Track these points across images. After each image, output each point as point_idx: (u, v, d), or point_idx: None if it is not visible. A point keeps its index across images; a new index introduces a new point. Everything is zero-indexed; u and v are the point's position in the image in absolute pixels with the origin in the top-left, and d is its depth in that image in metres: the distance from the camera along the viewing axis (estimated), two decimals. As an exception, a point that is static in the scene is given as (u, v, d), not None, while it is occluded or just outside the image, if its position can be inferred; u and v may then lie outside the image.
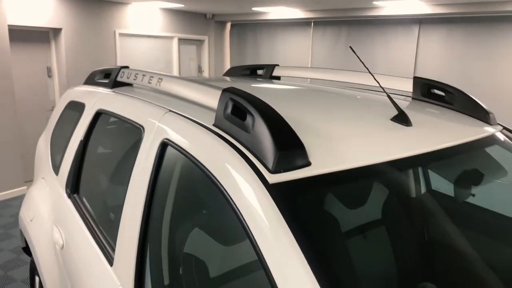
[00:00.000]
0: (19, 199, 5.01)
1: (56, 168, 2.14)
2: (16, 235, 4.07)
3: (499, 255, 1.56)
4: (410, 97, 1.87)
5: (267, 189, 0.95)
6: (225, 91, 1.21)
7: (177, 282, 1.26)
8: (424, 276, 1.30)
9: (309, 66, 7.48)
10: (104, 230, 1.56)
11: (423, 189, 1.76)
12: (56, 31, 5.56)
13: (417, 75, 6.53)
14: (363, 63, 1.64)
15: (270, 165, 0.99)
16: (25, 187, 5.21)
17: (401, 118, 1.37)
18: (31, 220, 2.16)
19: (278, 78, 2.52)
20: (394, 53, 6.65)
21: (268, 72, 2.53)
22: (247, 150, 1.05)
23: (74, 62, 5.68)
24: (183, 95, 1.44)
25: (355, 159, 1.08)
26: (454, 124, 1.48)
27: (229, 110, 1.16)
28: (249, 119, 1.08)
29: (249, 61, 8.16)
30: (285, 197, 0.94)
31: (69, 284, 1.77)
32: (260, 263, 0.87)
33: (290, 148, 1.01)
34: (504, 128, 1.69)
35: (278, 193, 0.94)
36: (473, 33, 5.99)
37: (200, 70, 8.05)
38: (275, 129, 1.02)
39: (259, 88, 1.85)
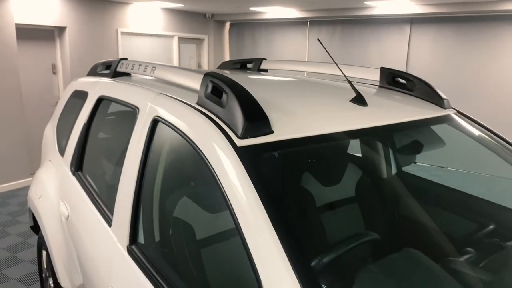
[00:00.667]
0: (25, 189, 5.25)
1: (62, 151, 2.37)
2: (23, 221, 4.31)
3: (454, 225, 1.79)
4: (378, 85, 2.09)
5: (235, 151, 1.17)
6: (206, 75, 1.43)
7: (166, 239, 1.49)
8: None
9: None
10: (104, 199, 1.79)
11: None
12: (61, 30, 5.81)
13: (409, 71, 6.73)
14: (330, 55, 1.87)
15: (239, 133, 1.21)
16: (30, 179, 5.45)
17: (358, 100, 1.59)
18: (39, 198, 2.39)
19: (266, 70, 2.74)
20: (386, 51, 6.86)
21: (256, 66, 2.76)
22: (221, 121, 1.28)
23: (77, 60, 5.92)
24: (173, 80, 1.67)
25: (310, 129, 1.31)
26: (407, 106, 1.70)
27: (209, 90, 1.39)
28: (224, 97, 1.30)
29: (247, 57, 8.38)
30: (250, 157, 1.16)
31: (73, 249, 2.00)
32: (229, 209, 1.09)
33: (256, 119, 1.24)
34: (458, 112, 1.91)
35: (244, 153, 1.17)
36: (462, 32, 6.20)
37: (199, 68, 8.28)
38: (244, 104, 1.25)
39: (243, 78, 2.08)
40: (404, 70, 6.75)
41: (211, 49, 8.32)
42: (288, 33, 7.85)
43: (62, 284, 2.17)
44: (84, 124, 2.15)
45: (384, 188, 1.90)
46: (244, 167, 1.13)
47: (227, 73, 2.39)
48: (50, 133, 2.72)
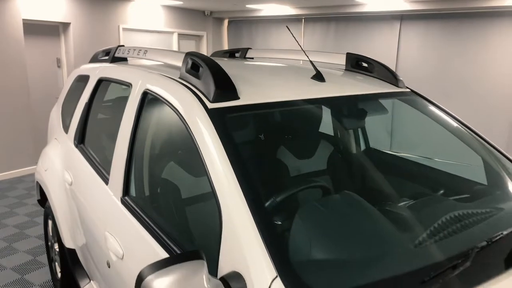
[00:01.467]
0: (31, 176, 5.56)
1: (66, 128, 2.66)
2: (29, 203, 4.61)
3: (399, 183, 2.06)
4: (344, 69, 2.37)
5: (207, 112, 1.45)
6: (187, 54, 1.72)
7: (155, 194, 1.78)
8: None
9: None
10: (102, 163, 2.07)
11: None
12: (65, 25, 6.11)
13: (399, 67, 7.01)
14: (297, 42, 2.14)
15: (210, 98, 1.50)
16: (35, 167, 5.75)
17: (318, 77, 1.87)
18: (46, 170, 2.69)
19: (252, 58, 3.02)
20: (377, 47, 7.13)
21: (242, 54, 3.04)
22: (197, 90, 1.56)
23: (81, 54, 6.22)
24: (161, 60, 1.95)
25: (270, 97, 1.59)
26: (361, 83, 1.98)
27: (189, 66, 1.67)
28: (200, 71, 1.59)
29: (245, 55, 8.66)
30: (218, 117, 1.44)
31: (76, 212, 2.29)
32: (199, 157, 1.37)
33: (224, 87, 1.52)
34: (412, 91, 2.18)
35: (214, 114, 1.45)
36: (450, 28, 6.46)
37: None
38: (215, 75, 1.53)
39: (227, 62, 2.36)
40: (394, 65, 7.02)
41: (210, 45, 8.60)
42: (284, 30, 8.12)
43: (66, 245, 2.46)
44: (86, 103, 2.44)
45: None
46: (213, 125, 1.41)
47: (222, 60, 2.67)
48: (55, 115, 3.01)
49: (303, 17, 7.83)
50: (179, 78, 1.71)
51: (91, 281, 2.34)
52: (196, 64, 1.64)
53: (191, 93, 1.55)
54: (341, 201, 1.44)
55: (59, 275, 2.82)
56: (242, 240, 1.12)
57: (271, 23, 8.28)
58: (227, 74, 1.57)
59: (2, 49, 5.21)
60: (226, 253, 1.15)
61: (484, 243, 1.26)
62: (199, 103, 1.49)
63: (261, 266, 1.05)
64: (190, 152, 1.62)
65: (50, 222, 2.91)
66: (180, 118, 1.51)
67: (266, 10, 7.78)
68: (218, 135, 1.37)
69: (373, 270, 1.12)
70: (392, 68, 7.02)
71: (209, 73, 1.53)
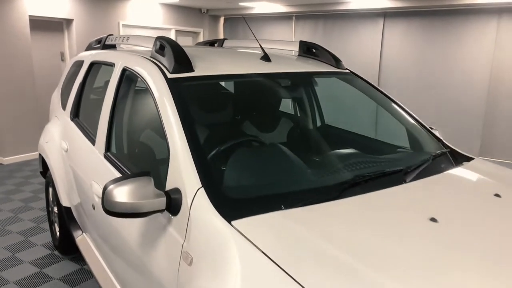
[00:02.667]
0: (37, 160, 6.03)
1: (64, 106, 3.11)
2: (34, 182, 5.07)
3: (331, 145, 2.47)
4: (297, 54, 2.78)
5: (166, 81, 1.88)
6: (157, 38, 2.14)
7: (133, 153, 2.20)
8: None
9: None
10: (91, 130, 2.51)
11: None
12: (69, 22, 6.58)
13: (383, 61, 7.40)
14: (254, 34, 2.57)
15: (170, 70, 1.92)
16: (41, 151, 6.22)
17: (265, 58, 2.29)
18: (47, 142, 3.13)
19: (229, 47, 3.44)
20: (363, 43, 7.53)
21: (220, 44, 3.46)
22: (161, 64, 1.99)
23: (83, 48, 6.67)
24: (139, 44, 2.39)
25: (219, 71, 2.02)
26: (303, 64, 2.40)
27: (157, 47, 2.10)
28: (165, 50, 2.01)
29: (240, 51, 9.09)
30: (175, 85, 1.86)
31: (71, 175, 2.73)
32: (158, 115, 1.79)
33: (182, 62, 1.95)
34: (351, 72, 2.59)
35: (172, 83, 1.87)
36: (429, 25, 6.85)
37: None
38: (175, 53, 1.96)
39: (197, 48, 2.78)
40: (378, 60, 7.41)
41: (207, 42, 9.03)
42: (276, 27, 8.55)
43: (63, 204, 2.90)
44: (80, 83, 2.89)
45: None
46: (170, 90, 1.84)
47: (194, 47, 3.10)
48: (56, 96, 3.46)
49: (294, 15, 8.24)
50: (150, 57, 2.14)
51: (84, 233, 2.78)
52: (162, 45, 2.07)
53: (156, 67, 1.98)
54: (266, 147, 1.87)
55: (57, 234, 3.27)
56: (181, 167, 1.54)
57: (264, 20, 8.70)
58: (185, 52, 2.00)
59: (10, 43, 5.68)
60: (171, 177, 1.58)
61: (367, 175, 1.68)
62: (161, 74, 1.92)
63: (191, 182, 1.48)
64: (149, 104, 2.00)
65: (50, 190, 3.35)
66: (148, 86, 1.94)
67: (259, 8, 8.20)
68: (172, 97, 1.79)
69: (269, 187, 1.55)
70: (377, 62, 7.43)
71: (171, 51, 1.96)
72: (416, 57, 7.07)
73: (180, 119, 1.67)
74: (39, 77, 6.41)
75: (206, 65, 2.07)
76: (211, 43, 3.61)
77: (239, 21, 9.07)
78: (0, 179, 5.15)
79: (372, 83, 2.58)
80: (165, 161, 1.68)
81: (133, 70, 2.12)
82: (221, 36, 9.36)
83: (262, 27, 8.73)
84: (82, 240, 2.74)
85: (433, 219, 1.39)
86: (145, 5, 7.60)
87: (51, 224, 3.46)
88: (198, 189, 1.45)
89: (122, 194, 1.44)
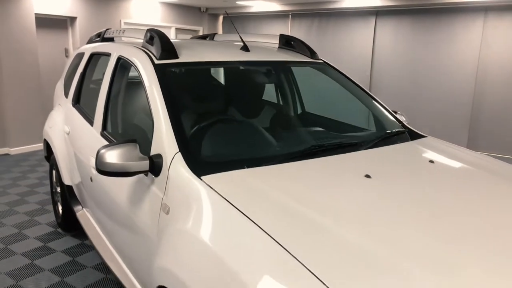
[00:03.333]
0: (41, 151, 6.33)
1: (67, 94, 3.40)
2: (40, 170, 5.37)
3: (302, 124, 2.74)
4: (277, 46, 3.06)
5: (153, 66, 2.16)
6: (147, 30, 2.43)
7: (126, 129, 2.48)
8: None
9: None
10: (90, 113, 2.79)
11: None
12: (72, 19, 6.88)
13: (375, 57, 7.66)
14: (236, 29, 2.85)
15: (157, 57, 2.20)
16: (46, 143, 6.54)
17: (244, 48, 2.57)
18: (51, 127, 3.43)
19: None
20: (356, 39, 7.79)
21: (211, 38, 3.74)
22: (150, 52, 2.27)
23: (86, 45, 6.98)
24: (132, 36, 2.67)
25: (201, 58, 2.30)
26: (280, 54, 2.67)
27: (147, 37, 2.39)
28: (154, 40, 2.30)
29: (238, 49, 9.38)
30: (161, 70, 2.14)
31: (72, 156, 3.02)
32: (145, 95, 2.07)
33: (168, 50, 2.23)
34: (325, 62, 2.86)
35: (158, 68, 2.15)
36: (419, 22, 7.10)
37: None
38: (162, 42, 2.24)
39: (186, 41, 3.06)
40: (370, 56, 7.67)
41: (206, 40, 9.32)
42: (272, 25, 8.82)
43: (66, 182, 3.19)
44: (81, 73, 3.18)
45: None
46: (156, 74, 2.12)
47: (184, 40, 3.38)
48: (59, 86, 3.75)
49: (290, 13, 8.51)
50: (142, 46, 2.42)
51: (83, 208, 3.06)
52: (152, 36, 2.35)
53: (146, 54, 2.26)
54: (236, 122, 2.15)
55: (60, 212, 3.56)
56: (163, 136, 1.82)
57: (261, 19, 8.98)
58: (171, 42, 2.28)
59: (17, 40, 5.99)
60: (154, 145, 1.86)
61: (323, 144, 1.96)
62: (150, 60, 2.20)
63: (171, 148, 1.76)
64: (140, 86, 2.26)
65: (54, 172, 3.64)
66: (138, 71, 2.23)
67: (257, 6, 8.47)
68: (158, 79, 2.08)
69: (235, 153, 1.82)
70: (369, 57, 7.69)
71: (159, 41, 2.25)
72: (406, 53, 7.32)
73: (164, 98, 1.95)
74: (44, 72, 6.71)
75: (190, 53, 2.35)
76: (203, 37, 3.89)
77: (237, 20, 9.35)
78: (8, 168, 5.46)
79: (344, 73, 2.85)
80: (151, 133, 1.96)
81: (127, 58, 2.41)
82: (220, 34, 9.65)
83: (260, 25, 9.01)
84: (82, 214, 3.03)
85: (368, 176, 1.67)
86: (146, 3, 7.90)
87: (55, 204, 3.75)
88: (176, 153, 1.73)
89: (112, 156, 1.72)
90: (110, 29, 3.20)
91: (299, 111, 3.00)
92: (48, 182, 4.93)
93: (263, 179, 1.60)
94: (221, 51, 2.51)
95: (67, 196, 3.22)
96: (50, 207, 4.17)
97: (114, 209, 2.19)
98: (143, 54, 2.28)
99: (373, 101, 2.70)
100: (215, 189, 1.51)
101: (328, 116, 2.84)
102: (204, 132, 1.97)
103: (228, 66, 2.39)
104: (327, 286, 1.05)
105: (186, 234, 1.47)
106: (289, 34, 8.59)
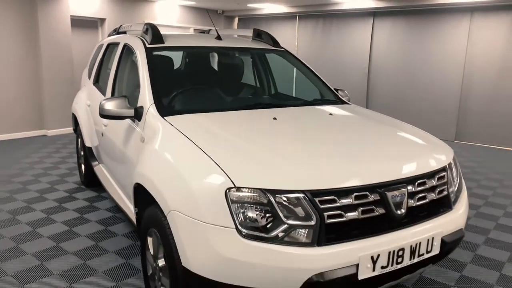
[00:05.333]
0: (69, 135, 7.37)
1: (89, 76, 4.32)
2: (70, 147, 6.36)
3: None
4: (252, 38, 3.85)
5: (145, 49, 3.00)
6: (145, 24, 3.28)
7: (125, 93, 3.34)
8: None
9: (296, 49, 9.43)
10: (104, 88, 3.67)
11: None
12: (102, 20, 7.91)
13: (372, 55, 8.30)
14: (213, 24, 3.67)
15: (149, 42, 3.05)
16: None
17: (218, 37, 3.38)
18: (77, 103, 4.35)
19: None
20: (355, 38, 8.45)
21: (207, 32, 4.58)
22: (145, 39, 3.12)
23: (114, 43, 7.99)
24: (137, 29, 3.54)
25: (181, 43, 3.13)
26: (247, 43, 3.46)
27: (144, 29, 3.24)
28: (148, 31, 3.15)
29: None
30: (150, 52, 2.98)
31: (92, 122, 3.91)
32: (138, 71, 2.91)
33: (156, 37, 3.08)
34: (286, 50, 3.63)
35: (148, 51, 2.99)
36: (412, 22, 7.71)
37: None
38: (153, 32, 3.09)
39: (178, 34, 3.89)
40: (368, 54, 8.32)
41: (222, 39, 10.20)
42: (282, 26, 9.60)
43: (87, 144, 4.09)
44: (100, 59, 4.08)
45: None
46: (146, 54, 2.95)
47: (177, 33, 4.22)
48: (85, 71, 4.69)
49: (297, 15, 9.27)
50: (140, 36, 3.27)
51: (99, 164, 3.95)
52: (147, 28, 3.20)
53: (141, 41, 3.11)
54: (197, 86, 2.98)
55: (83, 171, 4.48)
56: (146, 94, 2.65)
57: (272, 20, 9.78)
58: (159, 32, 3.12)
59: (55, 38, 7.04)
60: (139, 100, 2.70)
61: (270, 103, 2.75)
62: (143, 45, 3.04)
63: (148, 101, 2.59)
64: (135, 65, 3.14)
65: (79, 140, 4.57)
66: (135, 53, 3.08)
67: (267, 8, 9.28)
68: (147, 57, 2.91)
69: (194, 105, 2.64)
70: (367, 54, 8.33)
71: (151, 31, 3.09)
72: (401, 51, 7.93)
73: (148, 69, 2.79)
74: (77, 66, 7.75)
75: (173, 40, 3.18)
76: (202, 32, 4.74)
77: (251, 21, 10.19)
78: (45, 145, 6.49)
79: (300, 59, 3.61)
80: (139, 93, 2.80)
81: (129, 45, 3.27)
82: (235, 34, 10.53)
83: (271, 26, 9.81)
84: (98, 168, 3.91)
85: (275, 118, 2.44)
86: (167, 6, 8.86)
87: (79, 166, 4.68)
88: (151, 104, 2.56)
89: (109, 105, 2.56)
90: (123, 25, 4.09)
91: (259, 84, 3.80)
92: (73, 160, 5.90)
93: (204, 119, 2.41)
94: (199, 40, 3.33)
95: (88, 156, 4.12)
96: (77, 172, 5.11)
97: (115, 150, 3.04)
98: (139, 41, 3.14)
99: (320, 81, 3.45)
100: (171, 123, 2.33)
101: (282, 90, 3.62)
102: (170, 92, 2.80)
103: (201, 50, 3.23)
104: (226, 174, 1.80)
105: (153, 150, 2.28)
106: (296, 34, 9.35)
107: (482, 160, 6.18)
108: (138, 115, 2.62)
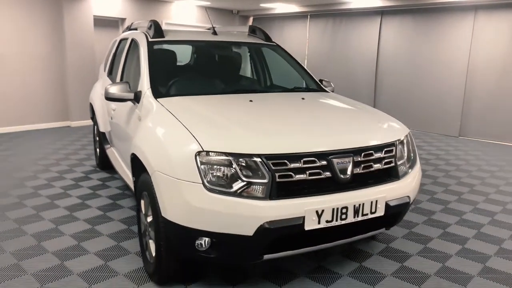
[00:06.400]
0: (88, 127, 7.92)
1: (104, 69, 4.80)
2: (90, 137, 6.91)
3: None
4: (247, 34, 4.23)
5: (147, 42, 3.44)
6: (149, 21, 3.72)
7: (129, 80, 3.79)
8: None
9: (306, 47, 9.77)
10: (115, 77, 4.13)
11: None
12: (122, 20, 8.45)
13: (380, 53, 8.54)
14: (211, 21, 4.09)
15: (151, 37, 3.49)
16: (98, 119, 8.13)
17: (213, 32, 3.78)
18: (93, 94, 4.84)
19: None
20: (364, 36, 8.71)
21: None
22: (148, 34, 3.56)
23: (133, 41, 8.53)
24: (144, 26, 3.98)
25: (181, 38, 3.56)
26: (241, 38, 3.85)
27: (148, 26, 3.68)
28: (151, 27, 3.59)
29: (265, 46, 10.60)
30: (151, 45, 3.41)
31: (105, 109, 4.37)
32: (139, 61, 3.34)
33: (157, 32, 3.51)
34: (277, 45, 4.00)
35: (149, 43, 3.42)
36: (418, 21, 7.92)
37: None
38: (155, 28, 3.52)
39: (179, 30, 4.31)
40: (376, 52, 8.56)
41: (237, 38, 10.63)
42: (294, 25, 9.94)
43: (101, 130, 4.57)
44: (113, 53, 4.55)
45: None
46: (147, 46, 3.38)
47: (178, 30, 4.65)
48: (101, 65, 5.19)
49: (309, 14, 9.60)
50: (145, 31, 3.71)
51: (111, 147, 4.42)
52: (151, 25, 3.63)
53: (145, 36, 3.55)
54: (189, 74, 3.39)
55: (98, 155, 4.97)
56: (144, 81, 3.07)
57: (284, 19, 10.14)
58: (161, 28, 3.55)
59: (79, 37, 7.62)
60: (139, 86, 3.12)
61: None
62: (146, 39, 3.48)
63: (146, 86, 3.01)
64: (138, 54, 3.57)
65: (95, 127, 5.07)
66: (139, 46, 3.51)
67: (280, 8, 9.65)
68: (148, 49, 3.33)
69: (185, 90, 3.06)
70: (375, 52, 8.58)
71: (153, 27, 3.53)
72: (407, 48, 8.15)
73: (148, 60, 3.22)
74: (98, 63, 8.32)
75: (173, 35, 3.61)
76: (208, 29, 5.16)
77: (265, 20, 10.57)
78: (69, 135, 7.07)
79: (289, 52, 3.98)
80: (139, 80, 3.23)
81: (135, 39, 3.71)
82: (250, 33, 10.93)
83: (283, 25, 10.17)
84: (110, 150, 4.38)
85: (251, 101, 2.82)
86: (184, 7, 9.35)
87: (95, 150, 5.18)
88: (148, 89, 2.98)
89: (113, 89, 3.00)
90: (134, 22, 4.55)
91: (254, 75, 4.18)
92: (90, 152, 6.41)
93: (189, 100, 2.81)
94: (197, 35, 3.74)
95: (101, 140, 4.59)
96: (93, 157, 5.62)
97: (120, 130, 3.48)
98: (143, 36, 3.57)
99: (305, 72, 3.80)
100: (161, 103, 2.74)
101: (278, 81, 4.00)
102: (165, 78, 3.22)
103: (198, 44, 3.65)
104: (197, 140, 2.19)
105: (146, 126, 2.69)
106: (307, 32, 9.68)
107: (479, 154, 6.36)
108: (137, 98, 3.04)
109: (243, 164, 2.14)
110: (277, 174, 2.14)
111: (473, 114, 7.52)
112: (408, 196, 2.52)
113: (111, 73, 4.55)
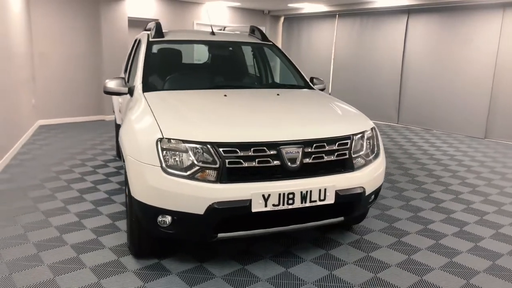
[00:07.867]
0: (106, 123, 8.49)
1: (123, 69, 5.24)
2: (113, 132, 7.45)
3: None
4: (248, 34, 4.47)
5: (148, 41, 3.79)
6: (154, 22, 4.07)
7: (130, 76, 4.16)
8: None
9: (333, 46, 9.82)
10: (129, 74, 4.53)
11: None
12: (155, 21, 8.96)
13: (406, 53, 8.45)
14: (210, 21, 4.38)
15: (152, 37, 3.83)
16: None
17: (212, 32, 4.07)
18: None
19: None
20: (390, 35, 8.65)
21: (223, 29, 5.29)
22: (150, 35, 3.91)
23: (165, 41, 9.03)
24: (151, 27, 4.35)
25: (180, 37, 3.87)
26: (239, 37, 4.11)
27: (151, 27, 4.03)
28: (154, 27, 3.94)
29: (294, 44, 10.75)
30: (150, 43, 3.75)
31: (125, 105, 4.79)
32: (139, 57, 3.70)
33: (158, 33, 3.85)
34: (273, 44, 4.21)
35: (149, 43, 3.77)
36: (446, 19, 7.77)
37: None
38: (157, 29, 3.87)
39: (180, 31, 4.63)
40: (402, 52, 8.48)
41: (268, 37, 10.88)
42: (322, 24, 10.02)
43: (117, 122, 5.00)
44: (129, 52, 4.97)
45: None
46: (147, 45, 3.73)
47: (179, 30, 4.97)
48: (123, 66, 5.65)
49: (337, 13, 9.64)
50: (150, 32, 4.07)
51: (125, 138, 4.82)
52: (154, 25, 3.98)
53: (147, 36, 3.90)
54: (177, 72, 3.68)
55: (116, 145, 5.42)
56: (137, 76, 3.42)
57: (313, 19, 10.24)
58: (161, 29, 3.88)
59: (114, 37, 8.20)
60: (134, 81, 3.47)
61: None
62: (147, 39, 3.82)
63: (139, 82, 3.35)
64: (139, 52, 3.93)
65: (115, 120, 5.52)
66: (141, 44, 3.87)
67: (308, 8, 9.77)
68: (147, 48, 3.68)
69: (173, 86, 3.36)
70: (401, 51, 8.50)
71: (155, 28, 3.87)
72: (433, 48, 8.01)
73: (144, 58, 3.56)
74: (133, 61, 8.90)
75: (172, 35, 3.93)
76: (220, 29, 5.46)
77: (294, 20, 10.73)
78: (104, 127, 7.66)
79: (284, 52, 4.18)
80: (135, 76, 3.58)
81: (140, 39, 4.08)
82: (280, 33, 11.13)
83: (312, 24, 10.27)
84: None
85: (225, 95, 3.07)
86: (215, 8, 9.73)
87: (116, 142, 5.65)
88: (139, 83, 3.32)
89: (111, 84, 3.37)
90: (149, 23, 4.94)
91: (247, 72, 4.42)
92: (108, 144, 6.93)
93: (169, 94, 3.12)
94: (195, 35, 4.04)
95: (117, 131, 5.02)
96: (114, 148, 6.10)
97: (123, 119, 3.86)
98: (146, 35, 3.93)
99: (296, 70, 3.99)
100: (145, 97, 3.06)
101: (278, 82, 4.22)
102: (156, 75, 3.54)
103: (192, 43, 3.95)
104: (160, 129, 2.49)
105: (128, 116, 3.02)
106: (335, 32, 9.73)
107: (497, 156, 6.19)
108: (131, 92, 3.39)
109: (198, 150, 2.40)
110: (227, 161, 2.38)
111: (500, 116, 7.27)
112: (362, 187, 2.66)
113: (126, 70, 4.97)
